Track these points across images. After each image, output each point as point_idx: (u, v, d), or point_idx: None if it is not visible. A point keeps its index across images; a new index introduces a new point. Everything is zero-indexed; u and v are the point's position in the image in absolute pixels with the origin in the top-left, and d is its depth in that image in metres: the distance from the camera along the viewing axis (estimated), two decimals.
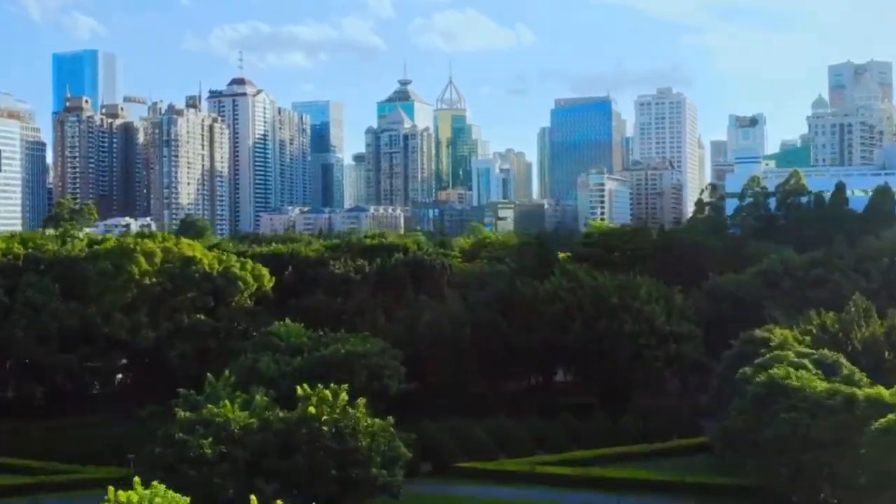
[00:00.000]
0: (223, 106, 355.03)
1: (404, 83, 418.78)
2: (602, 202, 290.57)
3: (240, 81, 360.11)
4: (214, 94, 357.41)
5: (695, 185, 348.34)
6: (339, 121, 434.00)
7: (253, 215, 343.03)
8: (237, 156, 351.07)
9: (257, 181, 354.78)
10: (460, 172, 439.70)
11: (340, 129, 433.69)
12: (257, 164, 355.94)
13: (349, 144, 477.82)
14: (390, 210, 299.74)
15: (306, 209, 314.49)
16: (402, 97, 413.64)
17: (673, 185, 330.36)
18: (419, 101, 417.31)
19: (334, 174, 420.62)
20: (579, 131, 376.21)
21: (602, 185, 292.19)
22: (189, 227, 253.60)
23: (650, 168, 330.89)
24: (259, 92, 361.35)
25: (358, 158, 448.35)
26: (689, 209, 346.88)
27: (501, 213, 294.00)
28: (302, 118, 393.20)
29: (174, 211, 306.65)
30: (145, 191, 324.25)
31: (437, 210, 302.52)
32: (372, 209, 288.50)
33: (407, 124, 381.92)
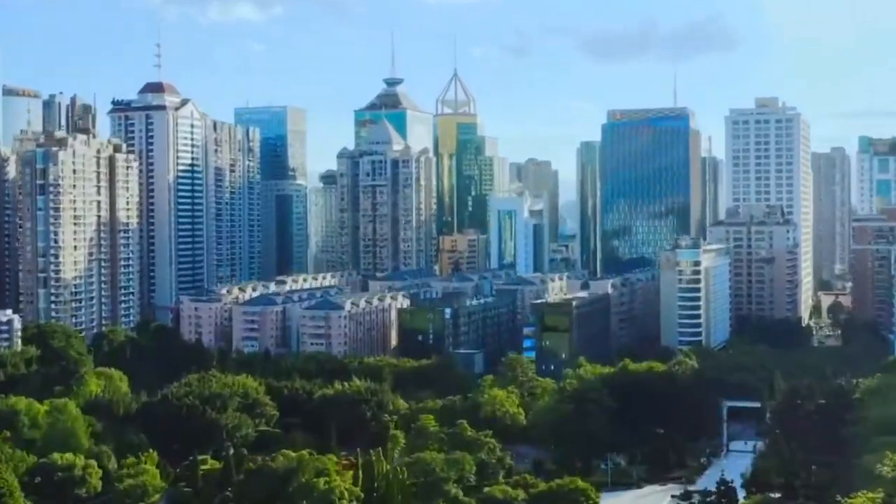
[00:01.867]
0: (131, 125, 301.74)
1: (392, 83, 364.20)
2: (695, 289, 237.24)
3: (156, 88, 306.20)
4: (119, 108, 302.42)
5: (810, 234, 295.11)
6: (300, 133, 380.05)
7: (174, 291, 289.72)
8: (152, 199, 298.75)
9: (182, 234, 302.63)
10: (469, 200, 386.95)
11: (302, 144, 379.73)
12: (182, 207, 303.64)
13: (316, 162, 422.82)
14: (379, 301, 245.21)
15: (250, 289, 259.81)
16: (389, 103, 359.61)
17: (788, 248, 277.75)
18: (413, 109, 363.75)
19: (293, 208, 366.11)
20: (641, 155, 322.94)
21: (697, 264, 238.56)
22: (43, 338, 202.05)
23: (755, 224, 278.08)
24: (184, 103, 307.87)
25: (327, 180, 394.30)
26: (809, 284, 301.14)
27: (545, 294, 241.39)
28: (248, 133, 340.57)
29: (54, 290, 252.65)
30: (6, 260, 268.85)
31: (441, 292, 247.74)
32: (348, 303, 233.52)
33: (396, 144, 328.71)
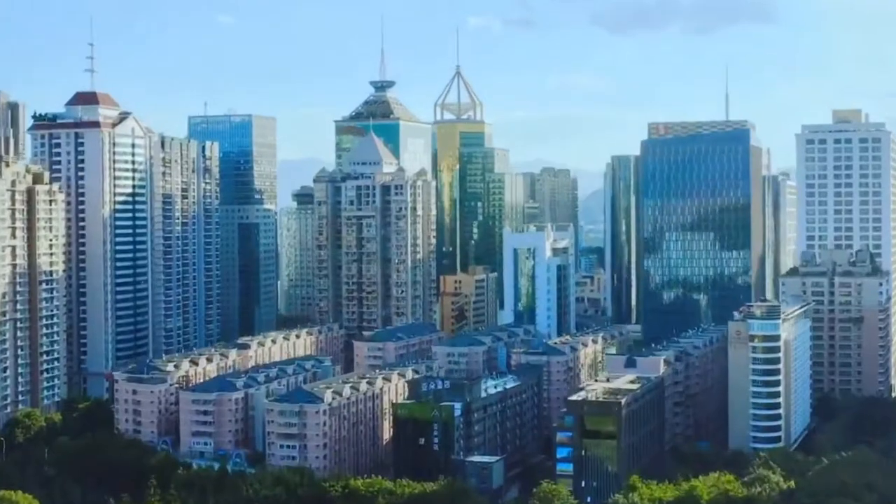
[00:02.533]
0: (57, 145, 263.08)
1: (382, 87, 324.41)
2: (773, 371, 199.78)
3: (88, 99, 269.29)
4: (42, 124, 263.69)
5: None
6: (269, 147, 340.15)
7: (111, 354, 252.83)
8: (83, 239, 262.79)
9: (121, 280, 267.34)
10: (474, 226, 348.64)
11: (271, 161, 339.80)
12: (121, 247, 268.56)
13: (288, 180, 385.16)
14: (369, 385, 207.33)
15: (203, 361, 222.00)
16: (377, 111, 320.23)
17: (880, 305, 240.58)
18: (407, 118, 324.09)
19: (260, 239, 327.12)
20: (690, 178, 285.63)
21: (776, 339, 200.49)
22: None
23: (839, 274, 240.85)
24: (123, 117, 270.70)
25: (302, 199, 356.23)
26: None
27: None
28: (205, 149, 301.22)
29: None
30: None
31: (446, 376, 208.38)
32: (329, 393, 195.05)
33: (387, 165, 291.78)
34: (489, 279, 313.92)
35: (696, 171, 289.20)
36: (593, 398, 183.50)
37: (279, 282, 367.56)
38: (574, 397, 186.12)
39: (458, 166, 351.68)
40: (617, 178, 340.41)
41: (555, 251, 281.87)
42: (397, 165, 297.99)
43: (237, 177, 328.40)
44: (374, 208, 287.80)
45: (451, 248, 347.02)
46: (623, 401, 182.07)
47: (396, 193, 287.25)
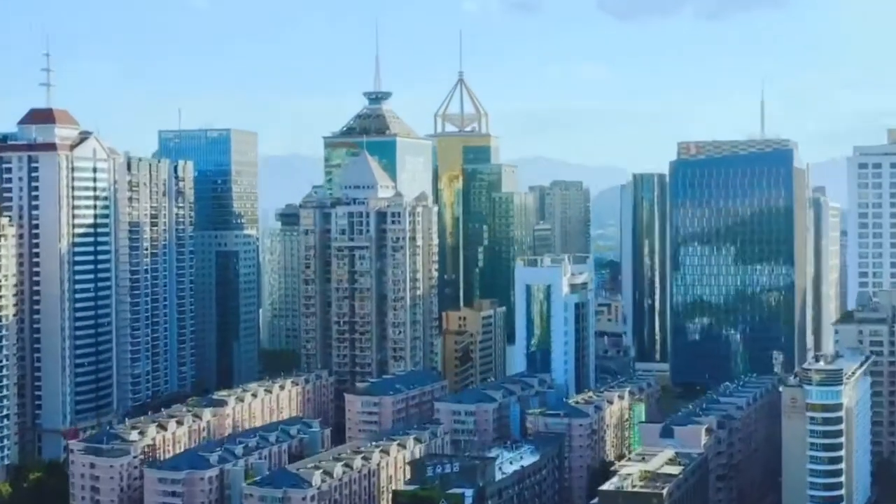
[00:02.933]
0: (7, 170, 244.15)
1: (377, 98, 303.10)
2: (834, 445, 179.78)
3: (44, 117, 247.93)
4: None
5: None
6: (250, 165, 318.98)
7: (70, 407, 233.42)
8: (37, 278, 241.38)
9: (81, 323, 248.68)
10: (479, 253, 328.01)
11: (252, 180, 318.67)
12: (81, 285, 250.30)
13: (272, 196, 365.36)
14: (364, 462, 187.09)
15: (173, 425, 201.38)
16: (372, 127, 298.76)
17: None
18: (405, 134, 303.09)
19: (240, 268, 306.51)
20: (726, 205, 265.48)
21: (838, 407, 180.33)
22: None
23: None
24: (84, 137, 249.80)
25: (287, 220, 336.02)
26: None
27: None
28: (177, 169, 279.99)
29: None
30: None
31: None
32: (317, 475, 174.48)
33: (383, 189, 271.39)
34: (497, 315, 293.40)
35: (732, 197, 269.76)
36: (629, 488, 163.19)
37: (261, 310, 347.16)
38: (607, 486, 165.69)
39: (461, 184, 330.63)
40: (639, 199, 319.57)
41: (573, 287, 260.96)
42: (394, 189, 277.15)
43: (214, 199, 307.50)
44: (368, 238, 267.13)
45: (453, 276, 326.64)
46: (665, 491, 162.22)
47: (393, 221, 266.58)
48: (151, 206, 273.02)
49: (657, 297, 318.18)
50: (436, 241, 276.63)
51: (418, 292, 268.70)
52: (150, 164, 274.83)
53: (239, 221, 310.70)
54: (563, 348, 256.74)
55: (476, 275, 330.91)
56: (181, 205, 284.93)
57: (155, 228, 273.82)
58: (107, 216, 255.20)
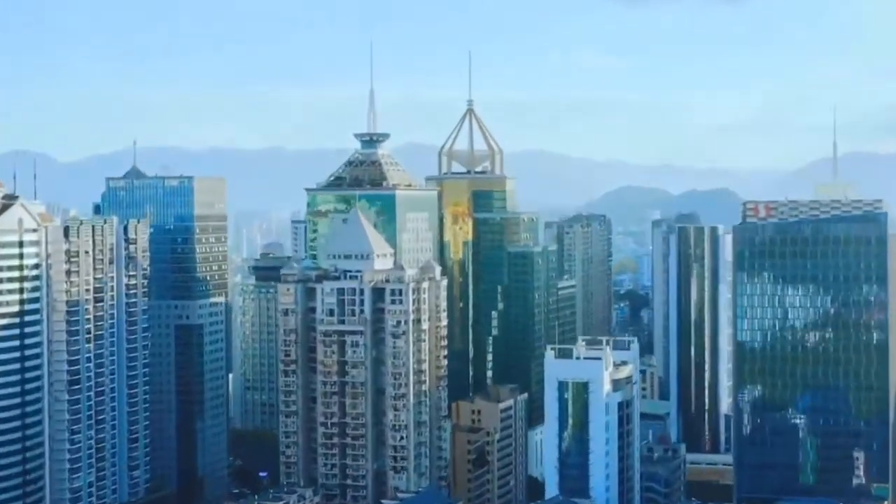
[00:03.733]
0: None
1: (371, 140, 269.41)
2: None
3: None
4: None
5: None
6: (218, 218, 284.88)
7: None
8: None
9: (6, 432, 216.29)
10: (493, 321, 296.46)
11: (220, 237, 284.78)
12: (6, 389, 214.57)
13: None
14: None
15: None
16: (366, 177, 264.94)
17: None
18: (405, 185, 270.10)
19: (206, 345, 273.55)
20: (803, 278, 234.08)
21: None
22: None
23: None
24: (9, 202, 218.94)
25: (262, 273, 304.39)
26: None
27: None
28: (127, 230, 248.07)
29: None
30: None
31: None
32: None
33: (380, 258, 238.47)
34: (518, 405, 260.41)
35: (810, 271, 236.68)
36: None
37: (231, 378, 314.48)
38: None
39: (470, 235, 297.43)
40: (684, 256, 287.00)
41: (615, 383, 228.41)
42: (393, 257, 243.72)
43: (174, 262, 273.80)
44: (362, 321, 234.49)
45: (462, 347, 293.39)
46: None
47: (393, 300, 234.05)
48: (95, 279, 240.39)
49: (706, 370, 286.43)
50: (444, 322, 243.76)
51: (424, 387, 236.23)
52: (92, 227, 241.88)
53: (204, 288, 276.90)
54: (604, 461, 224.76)
55: (489, 346, 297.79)
56: (132, 272, 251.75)
57: (99, 305, 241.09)
58: (37, 299, 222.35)
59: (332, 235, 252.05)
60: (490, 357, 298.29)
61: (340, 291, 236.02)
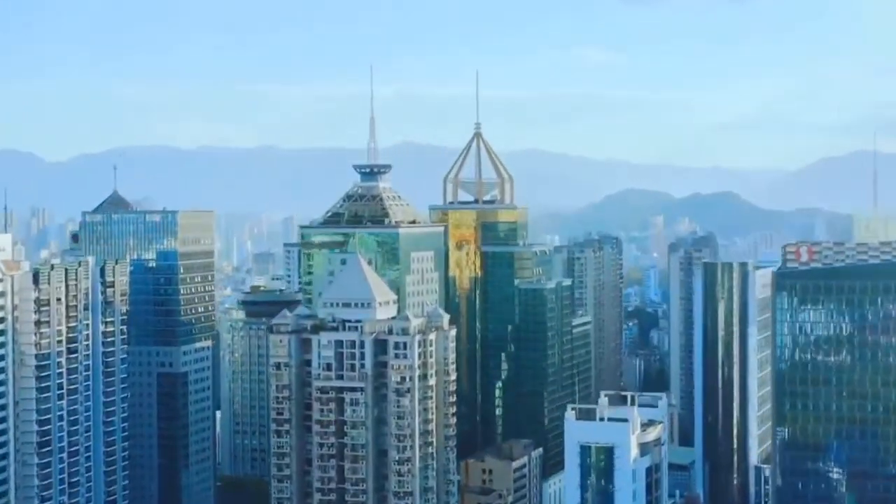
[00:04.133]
0: None
1: (372, 172, 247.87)
2: None
3: None
4: None
5: None
6: (205, 254, 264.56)
7: None
8: None
9: None
10: (502, 364, 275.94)
11: (206, 275, 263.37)
12: None
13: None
14: None
15: None
16: (366, 213, 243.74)
17: None
18: (409, 220, 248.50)
19: (190, 395, 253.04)
20: (851, 334, 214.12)
21: None
22: None
23: None
24: None
25: (252, 308, 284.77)
26: None
27: None
28: (103, 273, 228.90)
29: None
30: None
31: None
32: None
33: (382, 307, 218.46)
34: (533, 462, 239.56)
35: (857, 322, 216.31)
36: None
37: (219, 421, 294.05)
38: None
39: (477, 271, 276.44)
40: (711, 294, 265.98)
41: (643, 447, 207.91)
42: (397, 304, 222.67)
43: (157, 304, 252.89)
44: (362, 376, 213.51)
45: (469, 390, 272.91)
46: None
47: (397, 354, 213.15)
48: (68, 328, 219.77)
49: (735, 422, 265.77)
50: (454, 376, 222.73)
51: (431, 449, 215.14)
52: (65, 272, 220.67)
53: (189, 332, 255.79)
54: None
55: (498, 390, 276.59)
56: (110, 319, 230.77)
57: (73, 357, 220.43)
58: (1, 356, 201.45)
59: (331, 283, 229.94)
60: (499, 402, 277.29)
61: (339, 344, 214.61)
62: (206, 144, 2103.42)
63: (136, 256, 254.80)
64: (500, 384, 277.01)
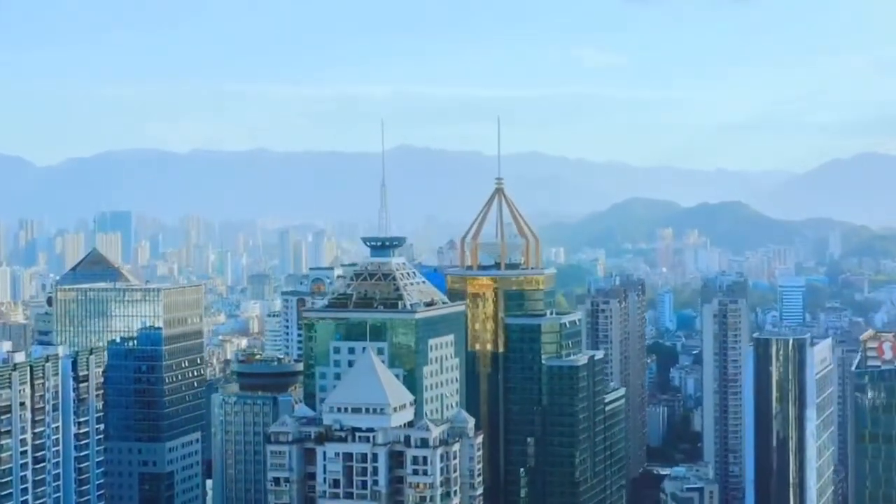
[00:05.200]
0: None
1: (383, 245, 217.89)
2: None
3: None
4: None
5: None
6: (193, 333, 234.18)
7: None
8: None
9: None
10: (528, 451, 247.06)
11: (196, 357, 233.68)
12: None
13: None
14: None
15: None
16: (378, 296, 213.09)
17: None
18: (427, 299, 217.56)
19: (175, 497, 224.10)
20: None
21: None
22: None
23: None
24: None
25: (245, 383, 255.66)
26: None
27: None
28: (75, 366, 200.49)
29: None
30: None
31: None
32: None
33: (400, 413, 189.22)
34: None
35: None
36: None
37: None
38: None
39: (501, 346, 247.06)
40: (764, 373, 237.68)
41: None
42: (413, 406, 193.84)
43: (138, 394, 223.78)
44: (375, 495, 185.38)
45: (492, 480, 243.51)
46: None
47: (416, 469, 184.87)
48: (34, 434, 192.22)
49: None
50: (480, 490, 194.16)
51: None
52: (30, 370, 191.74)
53: (175, 426, 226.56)
54: None
55: (523, 479, 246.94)
56: (84, 418, 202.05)
57: (40, 467, 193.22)
58: None
59: (339, 383, 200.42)
60: (524, 493, 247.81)
61: (348, 456, 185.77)
62: (198, 147, 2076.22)
63: (114, 338, 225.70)
64: (524, 471, 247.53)
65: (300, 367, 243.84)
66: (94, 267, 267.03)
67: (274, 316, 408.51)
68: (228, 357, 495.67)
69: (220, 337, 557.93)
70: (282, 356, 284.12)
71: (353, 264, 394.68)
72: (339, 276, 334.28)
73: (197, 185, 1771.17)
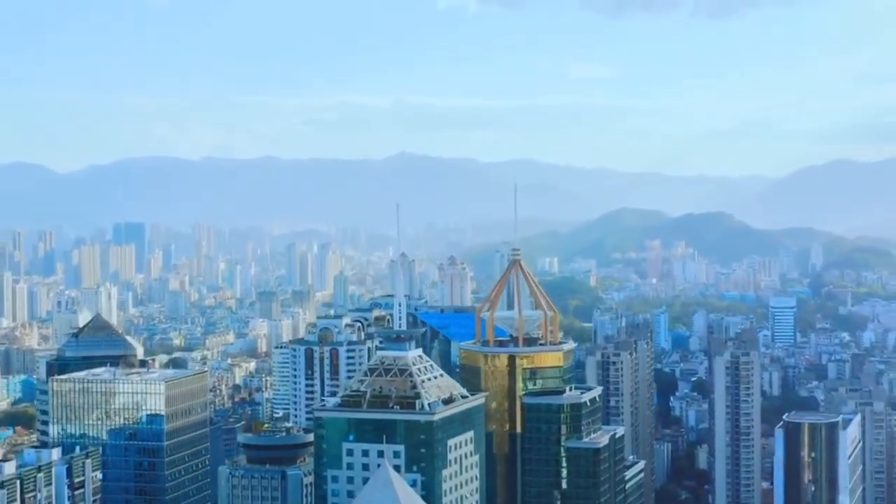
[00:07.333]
0: None
1: (401, 339, 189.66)
2: None
3: None
4: None
5: None
6: (198, 424, 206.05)
7: None
8: None
9: None
10: None
11: (202, 442, 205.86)
12: None
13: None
14: None
15: None
16: (391, 397, 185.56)
17: None
18: (444, 403, 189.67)
19: None
20: None
21: None
22: None
23: None
24: None
25: (254, 456, 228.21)
26: None
27: None
28: (70, 472, 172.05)
29: None
30: None
31: None
32: None
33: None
34: None
35: None
36: None
37: None
38: None
39: (518, 426, 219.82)
40: (795, 456, 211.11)
41: None
42: None
43: (139, 492, 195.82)
44: None
45: None
46: None
47: None
48: None
49: None
50: None
51: None
52: (20, 482, 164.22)
53: None
54: None
55: None
56: None
57: None
58: None
59: (349, 451, 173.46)
60: None
61: None
62: (210, 155, 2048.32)
63: (113, 425, 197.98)
64: None
65: (310, 437, 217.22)
66: (98, 333, 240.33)
67: (281, 348, 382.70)
68: (237, 382, 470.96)
69: (230, 360, 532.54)
70: (290, 425, 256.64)
71: (360, 309, 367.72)
72: (346, 325, 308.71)
73: (209, 192, 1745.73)
